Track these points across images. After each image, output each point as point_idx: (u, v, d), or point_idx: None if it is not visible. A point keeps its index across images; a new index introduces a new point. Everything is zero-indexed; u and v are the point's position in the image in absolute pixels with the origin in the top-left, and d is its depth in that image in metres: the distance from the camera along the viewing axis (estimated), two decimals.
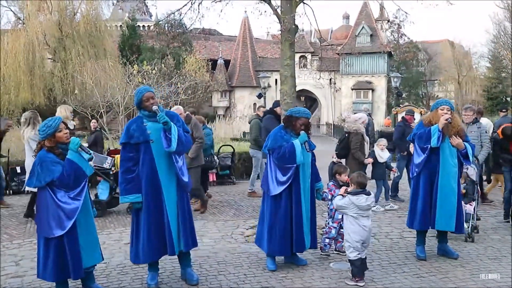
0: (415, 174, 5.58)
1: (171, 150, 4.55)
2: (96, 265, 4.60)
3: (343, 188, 5.12)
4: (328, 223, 5.73)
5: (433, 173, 5.45)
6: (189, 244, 4.73)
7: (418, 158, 5.54)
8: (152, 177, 4.59)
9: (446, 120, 5.33)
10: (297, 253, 5.37)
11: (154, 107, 4.61)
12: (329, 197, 5.66)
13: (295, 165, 5.09)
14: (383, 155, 8.02)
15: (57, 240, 4.18)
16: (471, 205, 6.40)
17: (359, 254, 4.76)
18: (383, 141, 8.10)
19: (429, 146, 5.40)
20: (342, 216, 5.54)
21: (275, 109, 8.92)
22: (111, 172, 8.00)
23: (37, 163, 4.22)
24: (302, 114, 5.24)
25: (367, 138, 8.09)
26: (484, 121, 10.47)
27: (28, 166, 7.49)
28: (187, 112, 8.02)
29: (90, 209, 4.45)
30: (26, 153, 7.73)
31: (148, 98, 4.64)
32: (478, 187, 6.77)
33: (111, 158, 7.79)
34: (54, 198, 4.18)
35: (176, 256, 4.88)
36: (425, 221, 5.49)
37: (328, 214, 5.77)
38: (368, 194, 4.84)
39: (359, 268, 4.76)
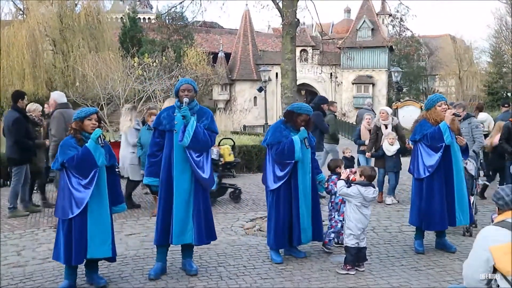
0: (427, 174, 5.40)
1: (183, 144, 4.62)
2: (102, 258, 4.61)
3: (346, 172, 5.19)
4: (334, 217, 5.69)
5: (448, 171, 5.41)
6: (202, 239, 4.77)
7: (431, 158, 5.38)
8: (168, 166, 4.71)
9: (454, 114, 5.33)
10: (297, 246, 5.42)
11: (185, 99, 4.68)
12: (334, 190, 5.69)
13: (293, 161, 5.12)
14: (390, 148, 8.06)
15: (68, 225, 4.33)
16: (469, 199, 6.44)
17: (357, 242, 4.85)
18: (392, 135, 8.12)
19: (443, 144, 5.31)
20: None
21: (322, 105, 8.80)
22: (220, 163, 8.24)
23: (59, 146, 4.44)
24: (303, 110, 5.23)
25: (386, 131, 8.22)
26: (484, 116, 10.51)
27: (124, 157, 7.70)
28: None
29: (106, 202, 4.50)
30: (122, 144, 7.89)
31: (184, 89, 4.75)
32: (477, 182, 6.81)
33: (217, 149, 8.19)
34: (68, 183, 4.35)
35: (178, 248, 4.97)
36: (445, 221, 5.43)
37: (334, 208, 5.72)
38: (374, 187, 5.01)
39: (353, 256, 4.86)
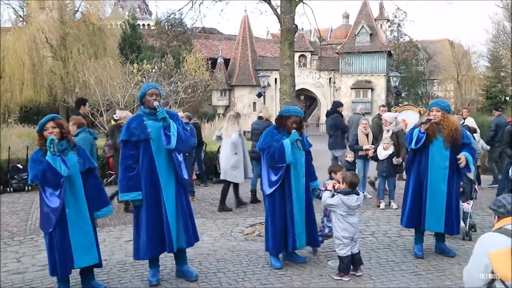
0: (407, 174, 5.75)
1: (171, 147, 4.58)
2: (92, 265, 4.55)
3: (331, 182, 5.21)
4: (323, 222, 5.74)
5: (423, 175, 5.50)
6: (191, 241, 4.79)
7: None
8: (151, 175, 4.63)
9: (422, 122, 5.38)
10: (295, 251, 5.42)
11: (155, 103, 4.64)
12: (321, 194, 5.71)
13: (285, 164, 5.13)
14: (382, 152, 8.15)
15: (51, 236, 4.30)
16: (468, 203, 6.45)
17: (348, 250, 4.84)
18: (387, 140, 8.20)
19: (410, 147, 5.54)
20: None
21: (338, 108, 10.07)
22: None
23: (30, 160, 4.39)
24: (292, 112, 5.25)
25: (385, 136, 8.33)
26: (469, 120, 10.68)
27: (227, 160, 8.07)
28: None
29: (85, 210, 4.42)
30: (226, 148, 8.15)
31: (152, 93, 4.71)
32: (475, 186, 6.82)
33: None
34: (43, 195, 4.32)
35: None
36: (412, 220, 5.58)
37: (324, 213, 5.78)
38: (358, 194, 4.93)
39: (346, 265, 4.87)
